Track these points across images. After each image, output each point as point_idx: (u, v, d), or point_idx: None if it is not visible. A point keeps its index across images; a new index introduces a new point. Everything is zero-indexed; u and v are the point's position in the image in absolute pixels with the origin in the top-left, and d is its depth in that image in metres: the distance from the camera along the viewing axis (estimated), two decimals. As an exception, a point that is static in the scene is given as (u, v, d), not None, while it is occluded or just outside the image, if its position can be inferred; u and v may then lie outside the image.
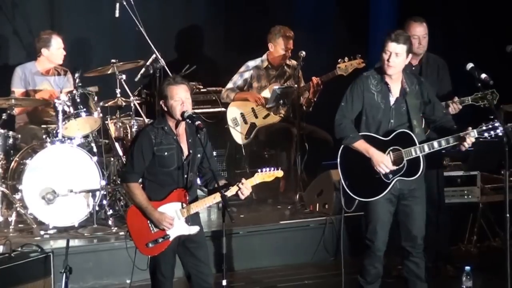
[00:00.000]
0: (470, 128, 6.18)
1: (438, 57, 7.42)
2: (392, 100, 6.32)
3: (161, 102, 5.91)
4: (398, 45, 6.21)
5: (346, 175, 6.35)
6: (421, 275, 6.47)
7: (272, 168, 6.01)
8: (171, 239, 5.90)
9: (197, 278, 6.00)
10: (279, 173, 6.04)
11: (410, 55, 6.34)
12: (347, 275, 6.64)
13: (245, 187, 5.89)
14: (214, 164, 6.12)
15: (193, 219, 5.98)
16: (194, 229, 5.96)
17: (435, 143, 6.22)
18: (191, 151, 5.95)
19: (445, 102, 7.06)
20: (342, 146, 6.34)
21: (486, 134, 6.17)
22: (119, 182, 7.89)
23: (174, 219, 5.86)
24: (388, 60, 6.22)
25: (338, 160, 6.37)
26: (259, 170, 6.01)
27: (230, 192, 5.89)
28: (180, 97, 5.86)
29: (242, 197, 5.92)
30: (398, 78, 6.33)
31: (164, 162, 5.88)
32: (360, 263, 6.50)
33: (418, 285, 6.48)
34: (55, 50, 8.39)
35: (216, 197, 5.87)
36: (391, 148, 6.26)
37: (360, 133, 6.30)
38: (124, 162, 6.07)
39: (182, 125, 5.95)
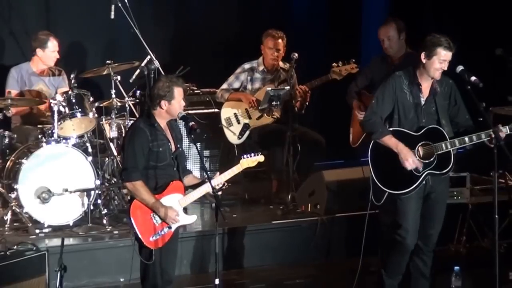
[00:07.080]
0: (500, 125, 6.19)
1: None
2: (422, 100, 6.39)
3: (161, 101, 5.98)
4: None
5: (376, 168, 6.38)
6: (426, 273, 6.55)
7: (253, 154, 6.18)
8: (173, 229, 6.02)
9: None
10: (261, 157, 6.20)
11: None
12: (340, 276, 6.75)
13: (219, 183, 6.08)
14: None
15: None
16: (192, 219, 6.14)
17: (466, 138, 6.24)
18: (178, 146, 6.12)
19: None
20: (372, 141, 6.39)
21: None
22: (120, 181, 7.70)
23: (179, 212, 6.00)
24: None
25: (369, 153, 6.41)
26: (242, 157, 6.17)
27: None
28: (181, 99, 6.01)
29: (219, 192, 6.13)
30: (429, 79, 6.39)
31: (159, 157, 5.99)
32: (386, 259, 6.54)
33: (421, 282, 6.57)
34: (49, 52, 8.40)
35: (208, 188, 5.98)
36: (422, 142, 6.31)
37: (391, 129, 6.35)
38: (123, 160, 6.12)
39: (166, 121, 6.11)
